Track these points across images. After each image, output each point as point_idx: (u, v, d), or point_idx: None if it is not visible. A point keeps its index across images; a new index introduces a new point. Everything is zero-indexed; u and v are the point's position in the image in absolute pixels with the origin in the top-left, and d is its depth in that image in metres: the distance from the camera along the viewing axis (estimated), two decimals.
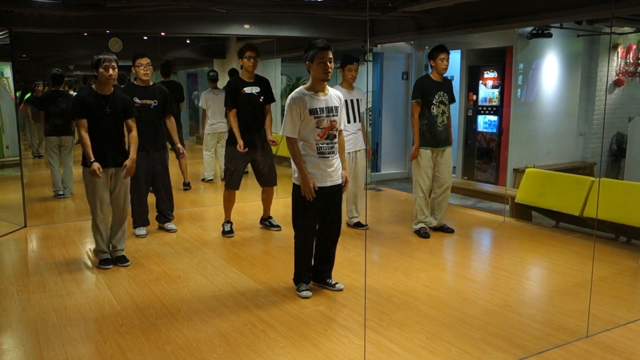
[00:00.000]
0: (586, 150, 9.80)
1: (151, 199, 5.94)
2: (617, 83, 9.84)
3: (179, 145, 5.98)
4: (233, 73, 9.45)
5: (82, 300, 4.14)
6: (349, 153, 5.62)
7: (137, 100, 5.34)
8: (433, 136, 5.60)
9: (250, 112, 5.51)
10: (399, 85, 10.48)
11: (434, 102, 5.55)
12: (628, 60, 9.94)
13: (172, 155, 6.74)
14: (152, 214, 6.02)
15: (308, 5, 6.66)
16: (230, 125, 5.53)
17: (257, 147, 5.60)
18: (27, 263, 5.17)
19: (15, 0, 5.93)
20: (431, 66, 5.63)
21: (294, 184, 4.11)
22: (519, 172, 8.41)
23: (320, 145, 3.99)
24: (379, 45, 9.28)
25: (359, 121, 5.77)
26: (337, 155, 4.11)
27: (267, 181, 5.79)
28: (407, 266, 4.90)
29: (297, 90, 4.03)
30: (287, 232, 5.96)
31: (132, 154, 4.76)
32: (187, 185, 8.25)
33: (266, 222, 6.10)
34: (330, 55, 3.93)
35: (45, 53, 10.62)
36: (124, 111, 4.72)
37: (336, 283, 4.32)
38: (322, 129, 3.97)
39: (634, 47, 9.90)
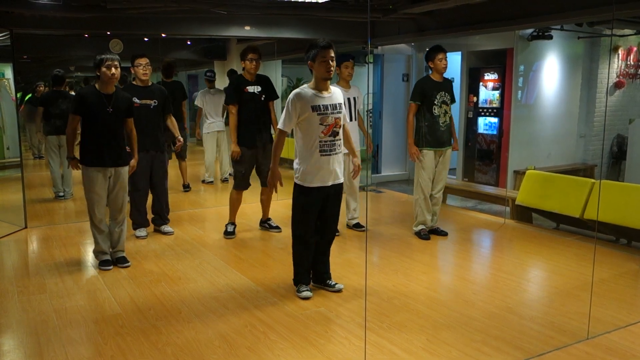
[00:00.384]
0: (587, 152, 9.80)
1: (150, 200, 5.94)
2: (617, 85, 9.84)
3: (180, 138, 5.85)
4: (232, 74, 9.46)
5: (82, 301, 4.14)
6: (345, 154, 5.63)
7: (136, 100, 5.33)
8: (435, 137, 5.59)
9: (252, 111, 5.52)
10: (400, 87, 10.48)
11: (435, 102, 5.55)
12: (629, 62, 9.94)
13: (172, 158, 6.73)
14: (152, 216, 6.02)
15: (309, 7, 6.66)
16: (230, 123, 5.53)
17: (260, 147, 5.61)
18: (28, 264, 5.16)
19: (16, 2, 5.94)
20: (430, 68, 5.62)
21: (295, 184, 4.10)
22: (519, 174, 8.41)
23: (324, 142, 3.99)
24: (379, 47, 9.29)
25: (356, 120, 5.77)
26: (340, 153, 4.11)
27: (267, 182, 5.79)
28: (408, 268, 4.90)
29: (301, 87, 4.04)
30: (287, 234, 5.94)
31: (135, 155, 4.87)
32: (187, 188, 8.25)
33: (265, 224, 6.10)
34: (332, 54, 3.94)
35: (46, 54, 10.62)
36: (125, 110, 4.75)
37: (336, 284, 4.32)
38: (326, 126, 3.98)
39: (635, 49, 9.91)
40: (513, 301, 4.15)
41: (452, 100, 5.73)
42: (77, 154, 4.72)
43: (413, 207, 5.89)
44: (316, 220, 4.16)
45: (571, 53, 9.29)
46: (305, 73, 11.23)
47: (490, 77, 9.16)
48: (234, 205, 5.83)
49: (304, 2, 6.40)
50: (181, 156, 8.05)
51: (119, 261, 4.91)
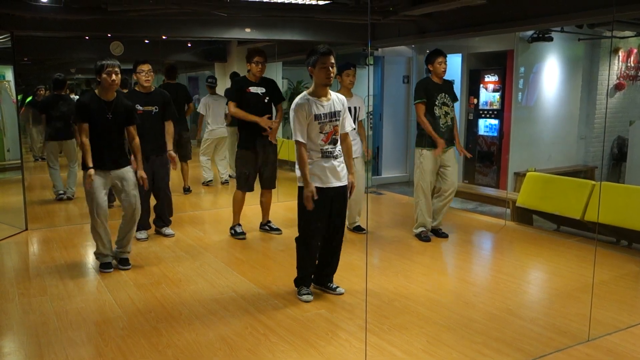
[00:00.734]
0: (587, 154, 9.80)
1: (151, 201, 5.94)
2: (617, 87, 9.85)
3: (172, 153, 5.75)
4: (234, 76, 9.47)
5: (83, 303, 4.14)
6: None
7: (139, 107, 5.33)
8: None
9: (254, 112, 5.51)
10: (400, 89, 10.49)
11: (436, 103, 5.56)
12: (629, 64, 9.95)
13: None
14: (153, 217, 6.02)
15: (309, 9, 6.67)
16: (237, 117, 5.51)
17: (261, 149, 5.63)
18: (28, 266, 5.17)
19: (17, 4, 5.95)
20: (430, 71, 5.63)
21: (299, 187, 4.09)
22: (520, 176, 8.42)
23: (325, 149, 4.01)
24: (379, 49, 9.30)
25: (356, 128, 5.76)
26: (342, 158, 4.11)
27: (267, 184, 5.80)
28: (408, 270, 4.90)
29: (300, 96, 4.03)
30: (288, 235, 5.96)
31: (140, 165, 4.82)
32: (187, 191, 8.25)
33: (266, 226, 6.09)
34: (332, 60, 3.95)
35: (46, 56, 10.63)
36: (126, 118, 4.73)
37: (337, 287, 4.31)
38: (325, 134, 3.99)
39: (635, 51, 9.92)
40: (513, 303, 4.15)
41: (454, 99, 5.73)
42: (80, 157, 4.72)
43: (413, 209, 5.89)
44: (324, 222, 4.13)
45: (571, 55, 9.30)
46: (306, 75, 11.25)
47: (491, 79, 9.18)
48: (238, 205, 5.84)
49: (305, 4, 6.41)
50: (184, 158, 8.05)
51: (121, 262, 4.91)
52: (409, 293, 4.33)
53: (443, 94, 5.59)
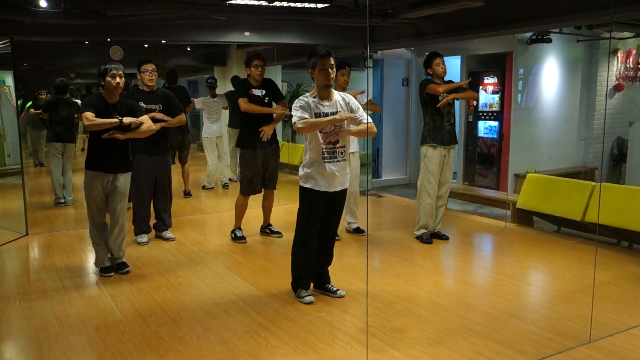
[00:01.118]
0: (587, 155, 9.80)
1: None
2: (617, 88, 9.86)
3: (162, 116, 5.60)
4: (235, 80, 9.49)
5: (83, 308, 4.14)
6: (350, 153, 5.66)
7: (142, 105, 5.35)
8: (441, 135, 5.64)
9: (257, 114, 5.55)
10: (399, 92, 10.49)
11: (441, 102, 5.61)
12: (628, 65, 9.96)
13: (175, 163, 6.74)
14: (153, 221, 6.02)
15: (308, 12, 6.68)
16: (249, 111, 5.49)
17: (268, 151, 5.67)
18: (29, 271, 5.17)
19: (17, 9, 5.95)
20: (429, 74, 5.65)
21: (300, 187, 4.10)
22: (520, 178, 8.41)
23: (324, 149, 4.00)
24: (379, 52, 9.30)
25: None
26: (343, 161, 4.10)
27: (269, 184, 5.82)
28: (409, 272, 4.90)
29: (302, 96, 4.05)
30: (289, 239, 5.95)
31: (139, 131, 4.68)
32: (187, 194, 8.25)
33: (266, 229, 6.09)
34: (332, 62, 3.97)
35: (46, 61, 10.64)
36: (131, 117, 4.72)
37: (337, 289, 4.31)
38: (325, 133, 3.98)
39: (634, 51, 9.92)
40: (514, 305, 4.15)
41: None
42: (79, 162, 4.72)
43: (415, 211, 5.88)
44: (320, 224, 4.17)
45: (570, 56, 9.31)
46: (305, 78, 11.28)
47: (490, 80, 9.18)
48: (241, 210, 5.84)
49: (304, 8, 6.41)
50: (182, 160, 8.07)
51: (120, 267, 4.91)
52: (410, 295, 4.33)
53: (445, 94, 5.61)
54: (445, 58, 5.71)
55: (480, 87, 9.29)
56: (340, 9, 6.75)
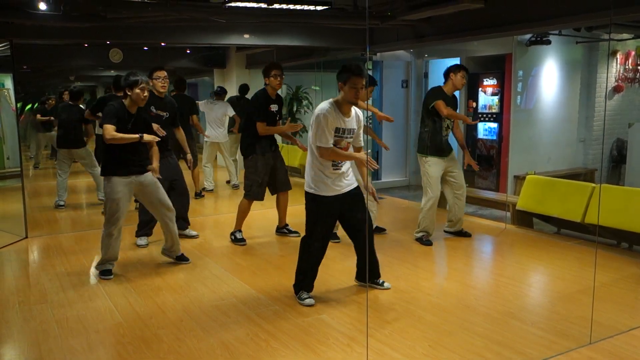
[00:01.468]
0: (586, 157, 9.81)
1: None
2: (616, 89, 9.86)
3: (189, 155, 5.99)
4: (243, 89, 9.51)
5: (83, 310, 4.13)
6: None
7: (152, 109, 5.45)
8: (439, 145, 5.68)
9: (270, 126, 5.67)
10: (399, 93, 10.50)
11: (443, 120, 5.68)
12: (627, 67, 9.97)
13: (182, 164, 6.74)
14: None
15: (307, 14, 6.69)
16: (271, 131, 5.63)
17: (274, 156, 5.76)
18: (29, 274, 5.16)
19: (17, 12, 5.96)
20: (447, 79, 5.66)
21: (306, 192, 4.14)
22: (519, 179, 8.42)
23: (335, 162, 4.10)
24: (378, 54, 9.31)
25: None
26: (348, 170, 4.22)
27: (285, 186, 5.91)
28: (409, 274, 4.89)
29: (326, 104, 4.07)
30: (289, 241, 5.97)
31: (155, 164, 4.86)
32: (199, 195, 8.29)
33: (284, 229, 6.15)
34: (363, 82, 4.07)
35: (45, 64, 10.67)
36: (143, 130, 4.75)
37: (384, 282, 4.48)
38: (339, 148, 4.08)
39: (633, 53, 9.93)
40: (515, 306, 4.15)
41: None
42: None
43: (419, 213, 5.86)
44: (330, 229, 4.25)
45: (570, 58, 9.32)
46: (305, 80, 11.29)
47: (489, 82, 9.19)
48: (243, 214, 5.87)
49: (303, 10, 6.43)
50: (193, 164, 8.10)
51: (180, 259, 5.15)
52: (410, 297, 4.32)
53: (449, 107, 5.68)
54: (444, 60, 5.73)
55: (480, 89, 9.30)
56: (340, 11, 6.76)
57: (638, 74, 10.14)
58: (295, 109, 11.14)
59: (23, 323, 3.94)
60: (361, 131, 4.26)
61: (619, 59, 9.80)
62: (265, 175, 5.71)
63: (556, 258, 5.33)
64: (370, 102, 6.21)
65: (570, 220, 6.02)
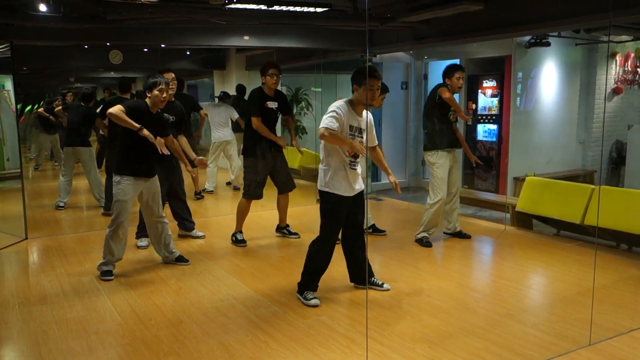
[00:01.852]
0: (586, 158, 9.81)
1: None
2: (615, 91, 9.87)
3: (198, 157, 5.82)
4: (240, 89, 9.52)
5: (83, 312, 4.13)
6: None
7: (158, 111, 5.39)
8: (447, 139, 5.74)
9: (268, 125, 5.67)
10: (399, 95, 10.51)
11: (450, 110, 5.73)
12: (626, 69, 9.98)
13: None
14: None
15: (307, 16, 6.69)
16: (260, 132, 5.61)
17: (273, 156, 5.74)
18: (28, 275, 5.16)
19: (17, 14, 5.96)
20: (446, 83, 5.68)
21: (321, 191, 4.18)
22: (519, 181, 8.42)
23: (348, 160, 4.15)
24: (378, 56, 9.31)
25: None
26: (359, 167, 4.26)
27: (287, 187, 5.92)
28: (409, 275, 4.90)
29: (343, 101, 4.15)
30: (289, 243, 5.97)
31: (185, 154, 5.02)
32: (198, 195, 8.29)
33: (284, 230, 6.15)
34: (379, 85, 4.17)
35: (45, 66, 10.66)
36: (160, 132, 4.78)
37: (383, 283, 4.48)
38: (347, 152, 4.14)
39: (632, 55, 9.95)
40: (514, 308, 4.15)
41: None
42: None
43: (424, 214, 5.86)
44: (345, 228, 4.30)
45: (569, 60, 9.33)
46: (305, 82, 11.30)
47: (489, 84, 9.20)
48: (242, 214, 5.87)
49: (303, 12, 6.43)
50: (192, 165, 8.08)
51: (178, 260, 5.18)
52: (410, 298, 4.33)
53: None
54: (443, 62, 5.74)
55: (479, 91, 9.31)
56: (339, 13, 6.75)
57: (637, 76, 10.16)
58: (295, 110, 11.14)
59: (23, 324, 3.94)
60: (373, 131, 4.37)
61: (618, 61, 9.82)
62: (264, 176, 5.72)
63: (556, 260, 5.33)
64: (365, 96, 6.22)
65: (569, 222, 6.03)
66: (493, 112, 9.18)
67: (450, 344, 3.54)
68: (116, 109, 4.50)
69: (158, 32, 7.37)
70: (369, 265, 4.49)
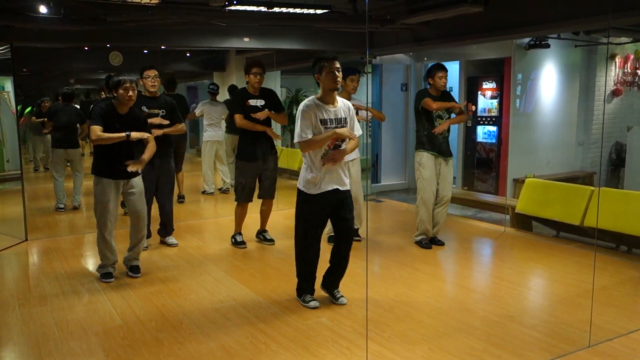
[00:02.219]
0: (585, 160, 9.82)
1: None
2: (615, 93, 9.89)
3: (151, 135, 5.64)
4: (232, 89, 9.52)
5: (83, 313, 4.14)
6: (349, 161, 5.66)
7: (145, 109, 5.36)
8: (435, 145, 5.63)
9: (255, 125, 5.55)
10: (398, 97, 10.52)
11: (434, 115, 5.61)
12: (626, 70, 10.00)
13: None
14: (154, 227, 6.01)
15: (307, 18, 6.70)
16: (244, 127, 5.53)
17: (261, 159, 5.63)
18: (29, 277, 5.16)
19: (17, 15, 5.97)
20: (429, 83, 5.66)
21: (298, 191, 4.10)
22: (518, 182, 8.43)
23: (326, 153, 4.01)
24: (377, 57, 9.34)
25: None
26: (343, 165, 4.12)
27: (267, 193, 5.81)
28: (408, 277, 4.90)
29: (308, 99, 4.07)
30: (288, 244, 5.96)
31: (144, 156, 4.71)
32: (181, 198, 8.19)
33: (260, 235, 6.08)
34: (338, 65, 4.00)
35: (46, 67, 10.66)
36: (139, 129, 4.69)
37: (341, 296, 4.29)
38: (326, 150, 4.00)
39: (632, 57, 9.96)
40: (514, 309, 4.15)
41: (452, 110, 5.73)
42: (86, 167, 4.71)
43: (415, 216, 5.88)
44: (321, 229, 4.18)
45: (568, 61, 9.34)
46: (305, 84, 11.31)
47: (489, 85, 9.21)
48: (240, 217, 5.85)
49: (303, 14, 6.44)
50: (177, 166, 8.04)
51: (132, 270, 4.95)
52: (410, 300, 4.33)
53: (439, 114, 5.63)
54: (443, 63, 5.72)
55: (479, 92, 9.32)
56: (340, 15, 6.77)
57: (637, 78, 10.17)
58: (294, 112, 11.15)
59: (23, 326, 3.94)
60: (354, 123, 4.16)
61: (617, 63, 9.83)
62: (250, 179, 5.64)
63: (555, 261, 5.34)
64: (365, 98, 6.18)
65: (569, 224, 6.03)
66: (493, 114, 9.19)
67: (450, 345, 3.55)
68: (94, 133, 4.44)
69: (158, 34, 7.38)
70: (339, 278, 4.33)
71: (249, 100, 5.55)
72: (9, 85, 9.39)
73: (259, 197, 5.84)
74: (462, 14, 6.34)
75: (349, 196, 4.19)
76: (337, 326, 3.86)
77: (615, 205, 5.55)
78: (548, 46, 8.55)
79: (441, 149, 5.66)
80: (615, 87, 9.86)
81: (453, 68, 9.60)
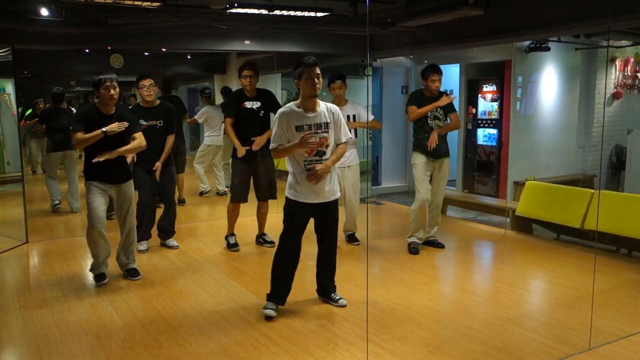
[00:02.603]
0: (586, 163, 9.82)
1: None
2: (615, 96, 9.90)
3: (159, 164, 5.61)
4: (226, 91, 9.52)
5: (84, 315, 4.14)
6: (342, 167, 5.66)
7: (143, 122, 5.30)
8: (423, 143, 5.58)
9: (249, 127, 5.51)
10: (399, 99, 10.52)
11: (428, 116, 5.55)
12: (626, 73, 10.00)
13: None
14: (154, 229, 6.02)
15: (308, 20, 6.72)
16: (228, 134, 5.54)
17: (258, 161, 5.61)
18: (29, 279, 5.17)
19: (18, 18, 5.99)
20: (424, 85, 5.62)
21: (286, 197, 4.10)
22: (519, 185, 8.43)
23: (308, 161, 3.96)
24: (378, 60, 9.34)
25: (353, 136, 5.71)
26: (330, 172, 4.02)
27: (266, 195, 5.79)
28: (409, 279, 4.90)
29: (286, 105, 4.03)
30: None
31: (125, 147, 4.63)
32: (181, 202, 8.20)
33: (260, 239, 6.07)
34: (317, 71, 3.91)
35: (46, 69, 10.67)
36: (126, 130, 4.63)
37: (340, 298, 4.29)
38: (311, 143, 3.89)
39: (632, 60, 9.97)
40: (514, 312, 4.15)
41: (451, 112, 5.67)
42: (80, 169, 4.72)
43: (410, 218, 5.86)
44: (299, 238, 4.12)
45: (569, 64, 9.35)
46: None
47: (489, 88, 9.21)
48: (231, 217, 5.84)
49: (304, 16, 6.45)
50: (179, 169, 8.05)
51: (130, 273, 4.95)
52: (410, 303, 4.33)
53: (435, 108, 5.57)
54: (444, 66, 5.69)
55: (479, 95, 9.33)
56: (340, 18, 6.79)
57: (637, 81, 10.18)
58: None
59: (24, 327, 3.94)
60: (341, 128, 4.05)
61: (617, 66, 9.84)
62: (243, 179, 5.61)
63: (555, 264, 5.34)
64: (366, 100, 6.17)
65: (569, 226, 6.04)
66: (493, 117, 9.19)
67: (450, 347, 3.55)
68: (74, 139, 4.44)
69: (159, 37, 7.39)
70: (330, 282, 4.33)
71: (245, 103, 5.50)
72: (10, 88, 9.41)
73: (258, 200, 5.84)
74: (462, 17, 6.35)
75: (335, 205, 4.13)
76: (337, 328, 3.86)
77: (616, 208, 5.55)
78: (548, 49, 8.55)
79: (435, 152, 5.57)
80: (615, 90, 9.87)
81: (453, 71, 9.62)
